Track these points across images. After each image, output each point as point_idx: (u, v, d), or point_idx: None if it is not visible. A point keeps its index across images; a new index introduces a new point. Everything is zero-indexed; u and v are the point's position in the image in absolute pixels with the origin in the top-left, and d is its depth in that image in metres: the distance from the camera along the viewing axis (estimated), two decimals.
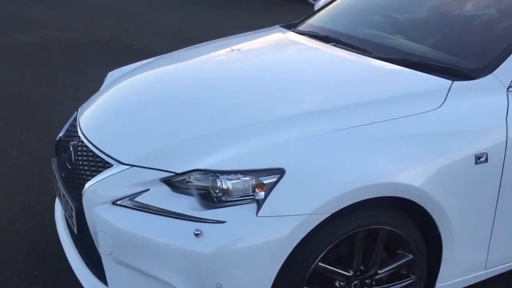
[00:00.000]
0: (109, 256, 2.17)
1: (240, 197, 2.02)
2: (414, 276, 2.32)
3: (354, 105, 2.32)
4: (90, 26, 8.10)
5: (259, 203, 1.99)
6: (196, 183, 2.10)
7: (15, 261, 2.85)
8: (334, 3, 3.61)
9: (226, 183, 2.02)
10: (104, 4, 9.74)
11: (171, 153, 2.21)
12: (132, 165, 2.21)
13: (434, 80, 2.45)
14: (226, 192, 2.02)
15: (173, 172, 2.12)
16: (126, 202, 2.17)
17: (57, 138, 2.81)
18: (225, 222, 1.99)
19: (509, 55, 2.45)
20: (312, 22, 3.48)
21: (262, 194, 2.00)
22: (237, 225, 1.99)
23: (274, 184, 2.00)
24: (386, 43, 2.96)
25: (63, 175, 2.52)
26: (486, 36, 2.78)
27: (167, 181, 2.13)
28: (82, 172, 2.37)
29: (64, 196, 2.46)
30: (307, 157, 2.08)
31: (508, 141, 2.33)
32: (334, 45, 2.96)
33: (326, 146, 2.12)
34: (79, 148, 2.47)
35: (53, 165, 2.68)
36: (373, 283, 2.26)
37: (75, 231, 2.38)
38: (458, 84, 2.39)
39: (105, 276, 2.25)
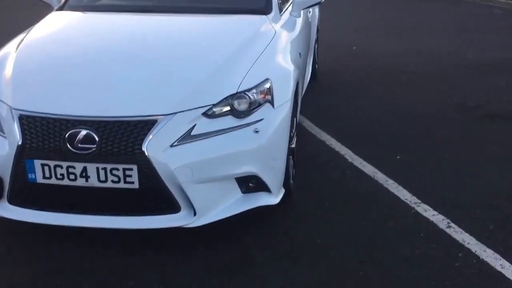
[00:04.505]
0: (190, 181, 2.91)
1: (258, 103, 3.15)
2: None
3: (229, 43, 3.55)
4: None
5: (271, 101, 3.18)
6: (226, 106, 3.06)
7: None
8: None
9: (253, 96, 3.11)
10: None
11: (198, 94, 3.05)
12: (176, 112, 2.94)
13: (258, 17, 3.93)
14: (253, 103, 3.11)
15: (211, 104, 3.02)
16: (182, 140, 2.93)
17: (19, 144, 2.89)
18: (263, 119, 3.11)
19: None
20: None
21: (269, 96, 3.19)
22: (269, 117, 3.14)
23: (271, 88, 3.22)
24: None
25: (88, 156, 2.85)
26: None
27: (205, 114, 3.01)
28: (121, 140, 2.85)
29: (103, 169, 2.86)
30: (267, 69, 3.35)
31: (299, 35, 4.15)
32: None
33: (259, 64, 3.36)
34: (99, 127, 2.86)
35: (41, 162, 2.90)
36: None
37: (137, 186, 2.89)
38: (269, 16, 3.97)
39: (176, 204, 2.96)
